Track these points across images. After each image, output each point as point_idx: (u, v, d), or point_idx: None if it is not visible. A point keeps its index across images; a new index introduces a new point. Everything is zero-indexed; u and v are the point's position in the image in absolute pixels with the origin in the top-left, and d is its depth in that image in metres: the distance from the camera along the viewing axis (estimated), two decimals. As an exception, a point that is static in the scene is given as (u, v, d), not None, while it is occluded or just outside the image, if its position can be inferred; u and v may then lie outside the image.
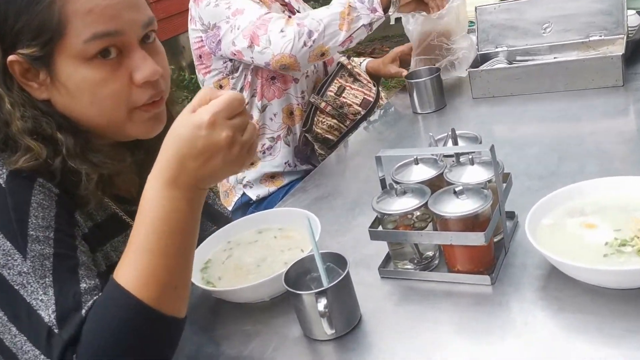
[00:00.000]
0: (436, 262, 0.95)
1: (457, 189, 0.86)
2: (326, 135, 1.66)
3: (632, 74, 1.40)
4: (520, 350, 0.75)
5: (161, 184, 0.75)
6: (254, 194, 1.75)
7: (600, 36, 1.44)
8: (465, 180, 0.92)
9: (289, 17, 1.49)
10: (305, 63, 1.47)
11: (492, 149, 0.88)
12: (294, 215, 1.10)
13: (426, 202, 0.89)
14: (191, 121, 0.73)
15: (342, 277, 0.83)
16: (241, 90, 1.65)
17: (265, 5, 1.56)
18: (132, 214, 0.86)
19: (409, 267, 0.95)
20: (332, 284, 0.82)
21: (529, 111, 1.40)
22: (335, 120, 1.66)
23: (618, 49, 1.38)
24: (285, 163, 1.71)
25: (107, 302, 0.74)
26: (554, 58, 1.48)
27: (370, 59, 1.85)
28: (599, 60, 1.35)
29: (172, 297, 0.76)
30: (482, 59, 1.60)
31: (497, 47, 1.59)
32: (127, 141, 0.93)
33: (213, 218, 1.16)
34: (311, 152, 1.69)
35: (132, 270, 0.74)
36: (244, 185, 1.76)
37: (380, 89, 1.79)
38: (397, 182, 0.98)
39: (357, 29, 1.45)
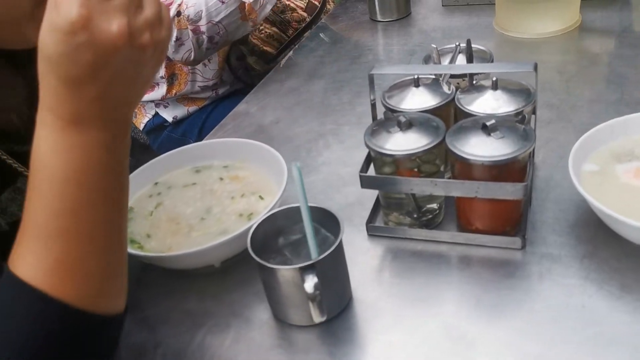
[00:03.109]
0: (441, 218, 0.73)
1: (488, 123, 0.63)
2: (264, 48, 1.35)
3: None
4: (580, 344, 0.56)
5: (57, 129, 0.48)
6: (169, 114, 1.44)
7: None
8: (490, 110, 0.69)
9: (178, 14, 1.14)
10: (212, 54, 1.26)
11: (535, 68, 0.65)
12: (243, 148, 0.83)
13: (442, 140, 0.65)
14: (58, 27, 0.45)
15: (335, 245, 0.59)
16: None
17: None
18: (21, 157, 0.59)
19: (405, 222, 0.73)
20: (323, 256, 0.58)
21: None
22: (275, 29, 1.36)
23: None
24: (213, 91, 1.39)
25: (10, 308, 0.48)
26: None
27: None
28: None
29: (107, 289, 0.51)
30: (452, -41, 1.35)
31: (470, -54, 1.34)
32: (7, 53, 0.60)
33: None
34: (243, 68, 1.39)
35: (42, 261, 0.47)
36: (157, 104, 1.44)
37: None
38: (392, 110, 0.74)
39: (264, 15, 1.20)
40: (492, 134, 0.63)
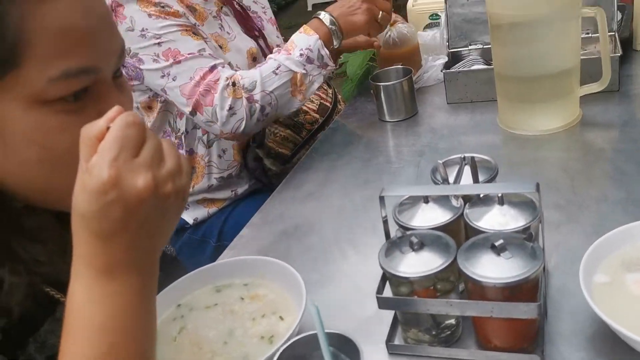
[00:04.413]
0: (459, 333, 0.74)
1: (497, 243, 0.66)
2: (280, 150, 1.41)
3: (626, 76, 1.25)
4: None
5: (92, 279, 0.52)
6: (190, 216, 1.48)
7: (588, 33, 1.28)
8: (498, 225, 0.72)
9: (234, 84, 1.22)
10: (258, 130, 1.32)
11: (537, 189, 0.68)
12: (262, 266, 0.85)
13: (454, 260, 0.68)
14: (90, 187, 0.50)
15: (356, 375, 0.61)
16: (176, 117, 1.36)
17: (201, 34, 1.28)
18: (59, 286, 0.62)
19: (424, 339, 0.74)
20: (345, 389, 0.59)
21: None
22: (289, 131, 1.41)
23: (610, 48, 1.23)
24: (232, 191, 1.44)
25: None
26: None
27: None
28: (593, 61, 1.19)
29: None
30: (453, 57, 1.41)
31: (470, 45, 1.41)
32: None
33: None
34: (260, 169, 1.44)
35: None
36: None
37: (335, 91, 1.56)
38: (404, 227, 0.76)
39: (312, 91, 1.28)
40: (501, 254, 0.65)
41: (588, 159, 1.05)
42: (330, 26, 1.27)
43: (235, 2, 1.45)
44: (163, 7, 1.23)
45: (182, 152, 1.39)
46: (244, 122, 1.23)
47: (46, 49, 0.53)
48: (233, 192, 1.46)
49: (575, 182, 0.98)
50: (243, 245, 1.03)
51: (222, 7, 1.40)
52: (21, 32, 0.52)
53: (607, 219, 0.86)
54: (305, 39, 1.26)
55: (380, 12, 1.30)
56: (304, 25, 1.29)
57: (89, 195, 0.50)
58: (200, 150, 1.40)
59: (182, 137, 1.38)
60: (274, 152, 1.40)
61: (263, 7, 1.57)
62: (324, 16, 1.28)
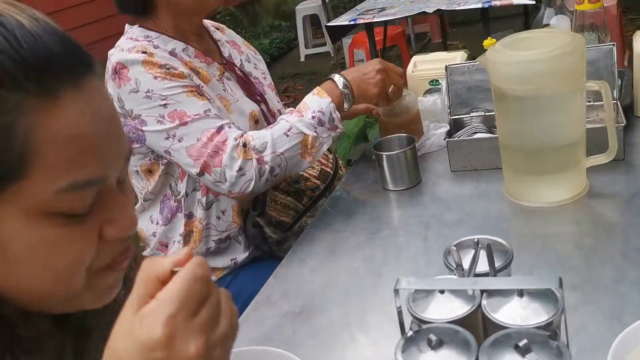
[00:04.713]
0: None
1: (521, 344, 0.63)
2: (281, 218, 1.38)
3: (630, 145, 1.25)
4: None
5: None
6: (188, 284, 1.43)
7: (590, 101, 1.28)
8: (520, 319, 0.69)
9: (244, 144, 1.22)
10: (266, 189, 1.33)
11: (560, 284, 0.65)
12: (266, 357, 0.82)
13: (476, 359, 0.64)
14: (138, 338, 0.47)
15: None
16: (177, 180, 1.34)
17: (204, 94, 1.28)
18: None
19: None
20: None
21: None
22: (290, 199, 1.39)
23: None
24: (232, 260, 1.41)
25: None
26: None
27: None
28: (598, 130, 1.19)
29: None
30: (455, 125, 1.41)
31: (472, 112, 1.40)
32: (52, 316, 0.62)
33: None
34: (261, 237, 1.41)
35: None
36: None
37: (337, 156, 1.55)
38: (420, 320, 0.73)
39: (321, 153, 1.30)
40: (526, 356, 0.62)
41: (600, 233, 1.03)
42: (343, 89, 1.29)
43: (236, 68, 1.46)
44: (168, 69, 1.24)
45: (181, 215, 1.37)
46: (252, 183, 1.22)
47: (54, 158, 0.50)
48: (233, 262, 1.43)
49: (589, 260, 0.95)
50: (247, 328, 0.99)
51: (224, 72, 1.40)
52: (29, 142, 0.50)
53: (627, 302, 0.84)
54: (318, 101, 1.27)
55: (392, 86, 1.32)
56: (318, 87, 1.31)
57: (135, 346, 0.47)
58: (199, 213, 1.37)
59: (182, 199, 1.36)
60: (275, 220, 1.37)
61: (263, 73, 1.57)
62: (338, 79, 1.30)
